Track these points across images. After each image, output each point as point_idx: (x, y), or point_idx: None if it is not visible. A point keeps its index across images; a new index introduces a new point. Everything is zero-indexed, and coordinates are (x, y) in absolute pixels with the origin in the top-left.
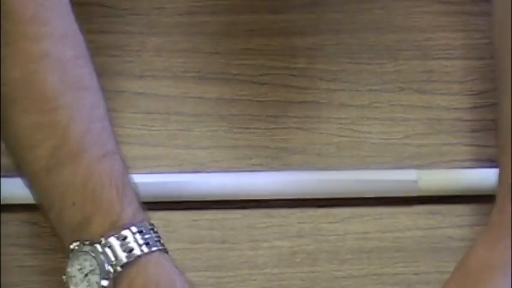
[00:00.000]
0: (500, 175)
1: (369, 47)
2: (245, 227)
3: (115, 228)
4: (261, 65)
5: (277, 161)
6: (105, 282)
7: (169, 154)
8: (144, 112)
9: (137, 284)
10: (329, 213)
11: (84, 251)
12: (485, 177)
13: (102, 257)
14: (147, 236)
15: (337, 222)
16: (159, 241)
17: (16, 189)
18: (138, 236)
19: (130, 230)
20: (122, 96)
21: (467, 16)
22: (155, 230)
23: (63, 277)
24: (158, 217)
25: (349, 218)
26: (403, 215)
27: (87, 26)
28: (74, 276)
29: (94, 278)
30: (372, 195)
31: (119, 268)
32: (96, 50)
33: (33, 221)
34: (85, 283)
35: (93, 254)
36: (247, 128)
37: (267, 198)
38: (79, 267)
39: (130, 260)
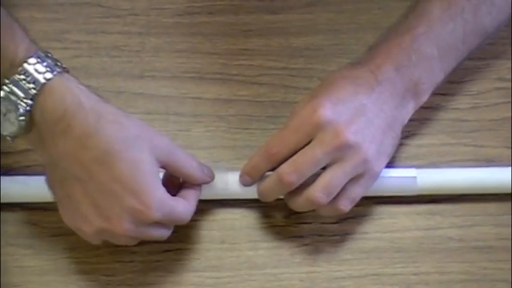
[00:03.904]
0: None
1: (367, 47)
2: (244, 227)
3: (16, 66)
4: (259, 66)
5: None
6: (22, 117)
7: None
8: (143, 112)
9: (47, 110)
10: None
11: None
12: (484, 177)
13: (11, 96)
14: (45, 63)
15: (336, 223)
16: (57, 64)
17: (16, 189)
18: (38, 65)
19: (29, 63)
20: (121, 97)
21: None
22: (49, 55)
23: None
24: None
25: (349, 218)
26: (402, 215)
27: (86, 27)
28: None
29: (12, 116)
30: (371, 195)
31: (29, 101)
32: (95, 51)
33: (33, 221)
34: (7, 122)
35: (3, 95)
36: (246, 128)
37: None
38: None
39: (36, 90)
